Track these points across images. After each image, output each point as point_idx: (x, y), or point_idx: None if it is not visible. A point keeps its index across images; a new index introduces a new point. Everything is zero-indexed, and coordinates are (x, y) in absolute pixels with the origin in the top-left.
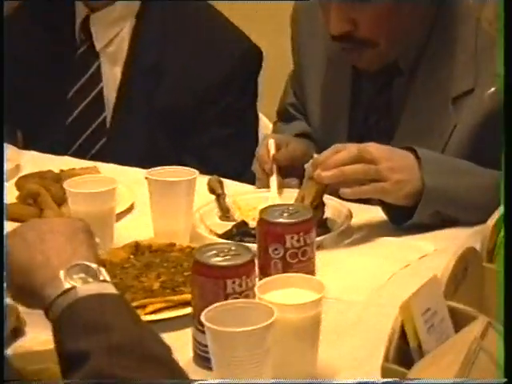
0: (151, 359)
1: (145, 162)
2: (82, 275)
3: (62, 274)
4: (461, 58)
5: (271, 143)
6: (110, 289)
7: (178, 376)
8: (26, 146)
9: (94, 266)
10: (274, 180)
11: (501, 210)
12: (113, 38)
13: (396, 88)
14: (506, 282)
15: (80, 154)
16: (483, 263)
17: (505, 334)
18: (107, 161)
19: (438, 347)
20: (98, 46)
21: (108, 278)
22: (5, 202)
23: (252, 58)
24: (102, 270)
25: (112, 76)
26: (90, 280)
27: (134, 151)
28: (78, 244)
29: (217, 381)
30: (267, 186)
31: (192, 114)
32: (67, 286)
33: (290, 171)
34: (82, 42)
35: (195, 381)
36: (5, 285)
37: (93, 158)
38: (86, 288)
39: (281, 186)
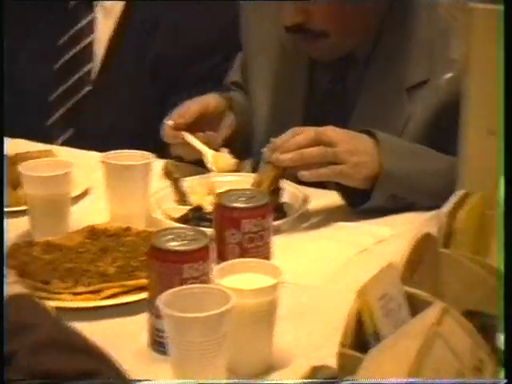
0: (80, 350)
1: (129, 116)
2: None
3: None
4: (414, 50)
5: (170, 123)
6: (18, 289)
7: (108, 363)
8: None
9: None
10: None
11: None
12: None
13: (351, 78)
14: (506, 283)
15: (64, 99)
16: (439, 249)
17: (505, 334)
18: (92, 112)
19: (395, 332)
20: None
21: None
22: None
23: None
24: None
25: (104, 28)
26: None
27: (119, 103)
28: None
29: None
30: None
31: (180, 70)
32: None
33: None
34: None
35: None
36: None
37: (77, 106)
38: None
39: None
